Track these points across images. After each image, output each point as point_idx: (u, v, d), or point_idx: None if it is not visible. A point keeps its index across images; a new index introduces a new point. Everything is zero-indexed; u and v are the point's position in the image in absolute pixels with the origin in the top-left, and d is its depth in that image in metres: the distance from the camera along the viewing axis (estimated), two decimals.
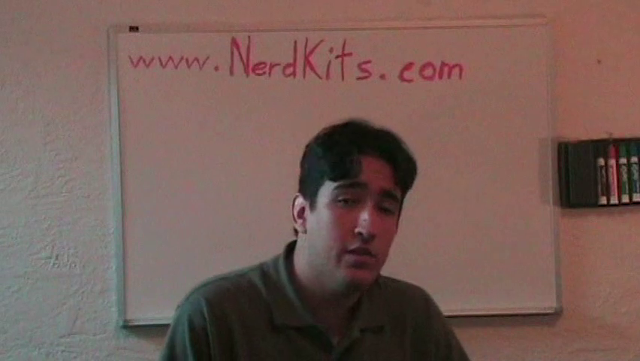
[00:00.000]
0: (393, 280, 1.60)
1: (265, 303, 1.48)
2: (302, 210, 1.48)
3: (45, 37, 2.94)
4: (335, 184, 1.42)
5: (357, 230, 1.40)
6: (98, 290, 2.94)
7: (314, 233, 1.45)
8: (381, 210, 1.43)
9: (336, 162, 1.42)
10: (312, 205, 1.45)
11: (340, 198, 1.42)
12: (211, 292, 1.49)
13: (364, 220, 1.40)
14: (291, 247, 1.53)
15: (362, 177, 1.41)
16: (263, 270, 1.53)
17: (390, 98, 2.93)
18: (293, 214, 1.50)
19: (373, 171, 1.42)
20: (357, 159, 1.41)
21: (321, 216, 1.43)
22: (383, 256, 1.45)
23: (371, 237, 1.40)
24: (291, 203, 1.51)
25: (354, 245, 1.41)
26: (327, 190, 1.43)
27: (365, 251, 1.41)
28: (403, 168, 1.44)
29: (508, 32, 2.95)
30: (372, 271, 1.44)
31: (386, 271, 1.61)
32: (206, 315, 1.46)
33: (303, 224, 1.48)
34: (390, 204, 1.44)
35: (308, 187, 1.47)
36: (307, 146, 1.50)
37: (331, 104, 2.84)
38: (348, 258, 1.41)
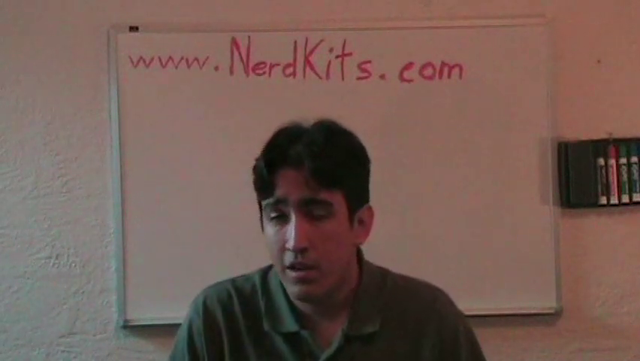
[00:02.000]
0: (408, 280, 1.56)
1: (258, 308, 1.50)
2: None
3: (45, 37, 2.94)
4: (263, 204, 1.43)
5: (286, 246, 1.40)
6: (98, 290, 2.94)
7: (267, 247, 1.46)
8: (312, 217, 1.40)
9: (256, 183, 1.44)
10: (261, 223, 1.47)
11: (271, 215, 1.42)
12: (210, 294, 1.53)
13: (289, 236, 1.39)
14: None
15: (278, 192, 1.40)
16: (267, 273, 1.54)
17: (390, 98, 2.93)
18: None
19: (288, 184, 1.40)
20: (268, 176, 1.40)
21: (265, 232, 1.45)
22: (329, 263, 1.41)
23: (300, 251, 1.39)
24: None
25: (289, 261, 1.41)
26: (263, 209, 1.45)
27: (302, 265, 1.40)
28: (318, 171, 1.38)
29: (508, 32, 2.95)
30: (319, 283, 1.42)
31: None
32: (201, 316, 1.50)
33: None
34: (321, 209, 1.40)
35: (258, 206, 1.48)
36: None
37: (331, 104, 2.84)
38: (289, 274, 1.42)
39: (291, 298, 1.46)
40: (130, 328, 2.92)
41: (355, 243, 1.48)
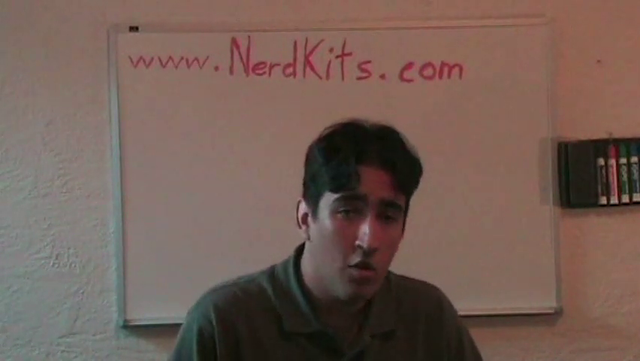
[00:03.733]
0: (407, 279, 1.58)
1: (274, 310, 1.47)
2: (305, 215, 1.45)
3: (45, 37, 2.94)
4: (335, 196, 1.38)
5: (357, 243, 1.37)
6: (98, 290, 2.94)
7: (317, 243, 1.43)
8: (384, 219, 1.39)
9: (335, 174, 1.38)
10: (314, 214, 1.43)
11: (341, 209, 1.38)
12: (220, 298, 1.48)
13: (365, 234, 1.36)
14: (299, 251, 1.51)
15: (361, 188, 1.37)
16: (273, 274, 1.51)
17: (390, 98, 2.93)
18: (297, 219, 1.47)
19: (372, 182, 1.37)
20: (356, 171, 1.36)
21: (322, 227, 1.40)
22: (384, 267, 1.43)
23: (372, 250, 1.37)
24: (295, 206, 1.48)
25: (356, 259, 1.38)
26: (327, 201, 1.40)
27: (366, 265, 1.38)
28: (404, 175, 1.39)
29: (508, 32, 2.95)
30: (374, 284, 1.42)
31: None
32: (213, 323, 1.45)
33: (307, 231, 1.45)
34: (393, 213, 1.40)
35: (310, 194, 1.44)
36: (309, 147, 1.46)
37: (331, 104, 2.84)
38: (351, 273, 1.38)
39: (339, 297, 1.42)
40: (130, 328, 2.92)
41: None
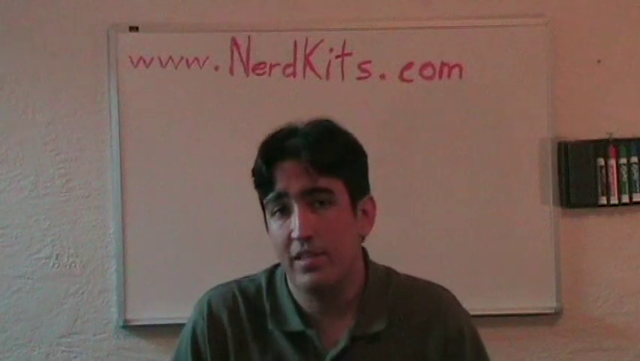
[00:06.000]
0: (412, 279, 1.57)
1: (263, 308, 1.50)
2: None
3: (45, 37, 2.94)
4: (265, 200, 1.46)
5: (292, 236, 1.42)
6: (98, 290, 2.94)
7: (272, 245, 1.47)
8: (317, 204, 1.42)
9: (255, 181, 1.47)
10: (265, 220, 1.49)
11: (274, 210, 1.44)
12: (215, 295, 1.54)
13: (294, 226, 1.41)
14: None
15: (278, 186, 1.43)
16: (272, 273, 1.55)
17: (390, 98, 2.93)
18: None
19: (288, 176, 1.42)
20: (268, 172, 1.43)
21: (269, 229, 1.47)
22: (336, 251, 1.43)
23: (304, 239, 1.40)
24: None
25: (296, 251, 1.42)
26: (265, 206, 1.47)
27: (309, 254, 1.41)
28: (315, 159, 1.41)
29: (508, 32, 2.95)
30: (330, 269, 1.43)
31: None
32: (205, 318, 1.51)
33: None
34: (324, 197, 1.42)
35: (260, 203, 1.50)
36: None
37: (331, 104, 2.84)
38: (297, 264, 1.43)
39: (301, 290, 1.46)
40: (130, 328, 2.92)
41: (361, 234, 1.49)
